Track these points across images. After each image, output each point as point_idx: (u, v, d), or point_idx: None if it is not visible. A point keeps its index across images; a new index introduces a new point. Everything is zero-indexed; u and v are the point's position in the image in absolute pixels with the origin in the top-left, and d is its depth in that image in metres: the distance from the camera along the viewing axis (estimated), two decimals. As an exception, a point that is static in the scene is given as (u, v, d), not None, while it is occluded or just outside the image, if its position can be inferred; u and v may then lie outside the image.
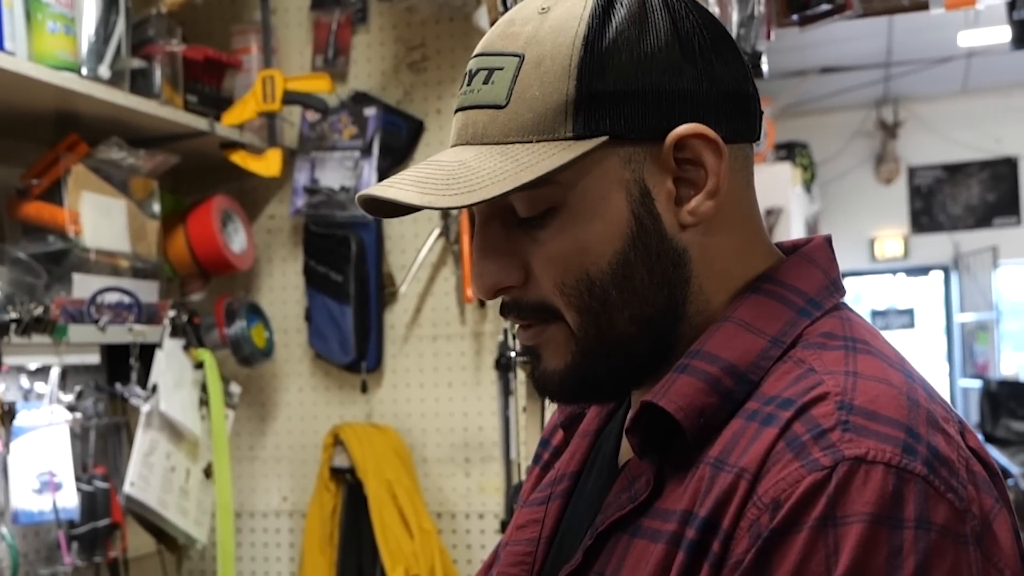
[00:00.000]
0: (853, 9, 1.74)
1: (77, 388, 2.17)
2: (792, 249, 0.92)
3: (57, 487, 2.02)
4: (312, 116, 2.56)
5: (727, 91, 0.85)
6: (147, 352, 2.26)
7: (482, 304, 2.50)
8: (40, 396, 2.07)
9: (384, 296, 2.58)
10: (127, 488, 2.17)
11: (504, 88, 0.83)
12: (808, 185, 7.05)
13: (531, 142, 0.82)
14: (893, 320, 8.21)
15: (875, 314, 8.26)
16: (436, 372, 2.56)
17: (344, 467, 2.50)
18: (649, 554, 0.80)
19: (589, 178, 0.83)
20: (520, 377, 2.07)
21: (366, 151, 2.51)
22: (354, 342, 2.54)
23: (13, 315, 1.92)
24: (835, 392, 0.77)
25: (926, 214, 8.00)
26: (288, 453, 2.68)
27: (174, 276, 2.51)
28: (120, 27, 2.08)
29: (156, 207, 2.34)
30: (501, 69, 0.84)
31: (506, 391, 2.43)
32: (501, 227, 0.87)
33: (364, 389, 2.58)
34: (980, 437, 0.83)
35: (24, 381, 2.07)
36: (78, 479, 2.10)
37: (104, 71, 2.04)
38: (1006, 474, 5.69)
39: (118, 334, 2.17)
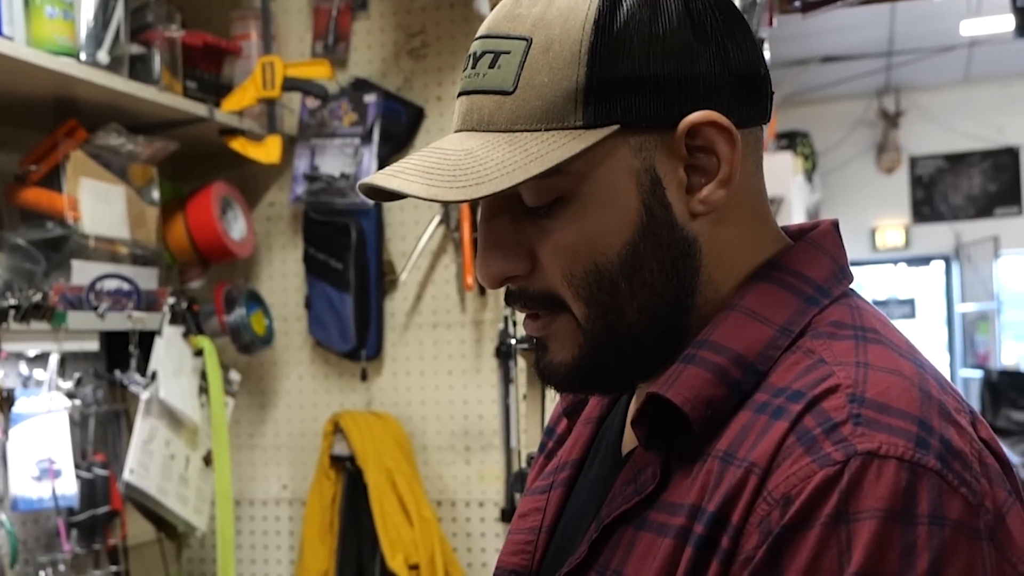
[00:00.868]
0: (856, -4, 1.73)
1: (76, 375, 2.16)
2: (798, 234, 0.90)
3: (56, 474, 2.02)
4: (312, 103, 2.55)
5: (740, 74, 0.83)
6: (146, 339, 2.25)
7: (482, 292, 2.49)
8: (39, 383, 2.07)
9: (384, 284, 2.57)
10: (126, 475, 2.16)
11: (511, 73, 0.80)
12: (809, 175, 7.03)
13: (539, 131, 0.79)
14: (894, 310, 8.20)
15: (876, 304, 8.23)
16: (436, 360, 2.56)
17: (344, 455, 2.49)
18: (656, 548, 0.78)
19: (599, 168, 0.81)
20: (520, 365, 2.06)
21: (366, 138, 2.50)
22: (354, 330, 2.53)
23: (12, 301, 1.92)
24: (846, 384, 0.75)
25: (927, 204, 7.98)
26: (288, 441, 2.67)
27: (173, 263, 2.50)
28: (119, 12, 2.07)
29: (155, 194, 2.33)
30: (508, 53, 0.81)
31: (506, 379, 2.43)
32: (507, 215, 0.85)
33: (364, 377, 2.58)
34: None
35: (23, 368, 2.06)
36: (77, 466, 2.10)
37: (103, 56, 2.03)
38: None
39: (117, 321, 2.16)
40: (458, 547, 2.52)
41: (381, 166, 2.44)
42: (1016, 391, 6.75)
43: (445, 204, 2.47)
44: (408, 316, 2.58)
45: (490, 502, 2.51)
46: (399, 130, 2.53)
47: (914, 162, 7.98)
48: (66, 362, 2.14)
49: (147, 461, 2.21)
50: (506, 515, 2.46)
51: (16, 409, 2.01)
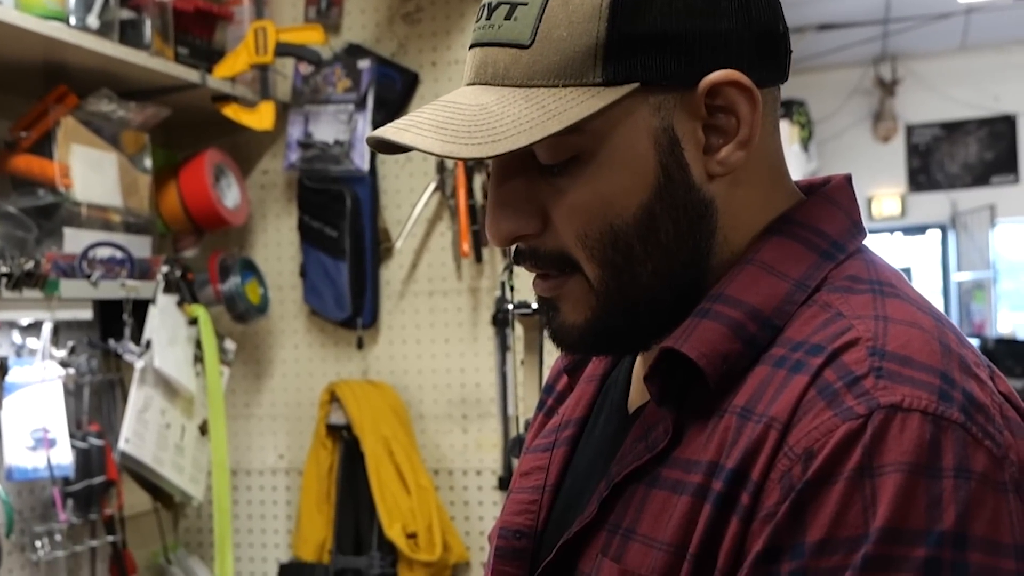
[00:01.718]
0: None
1: (70, 344, 2.15)
2: (809, 188, 0.89)
3: (51, 444, 2.01)
4: (305, 69, 2.52)
5: (761, 32, 0.81)
6: (140, 308, 2.23)
7: (479, 260, 2.47)
8: (32, 352, 2.05)
9: (380, 252, 2.55)
10: (122, 445, 2.15)
11: (528, 26, 0.78)
12: (805, 143, 7.01)
13: (557, 87, 0.77)
14: (890, 279, 8.19)
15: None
16: (432, 328, 2.54)
17: (340, 424, 2.48)
18: (672, 506, 0.77)
19: (617, 127, 0.79)
20: (518, 332, 2.05)
21: (360, 104, 2.47)
22: (350, 298, 2.52)
23: (4, 269, 1.89)
24: (866, 337, 0.74)
25: (924, 172, 7.96)
26: (284, 410, 2.66)
27: (167, 231, 2.48)
28: (108, -25, 2.04)
29: (148, 161, 2.31)
30: (525, 4, 0.79)
31: (503, 347, 2.42)
32: (519, 173, 0.82)
33: (360, 345, 2.56)
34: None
35: (16, 337, 2.04)
36: (72, 436, 2.08)
37: (92, 21, 2.00)
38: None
39: (110, 289, 2.14)
40: (456, 516, 2.52)
41: (376, 132, 2.42)
42: (1012, 359, 6.75)
43: (439, 168, 2.45)
44: (404, 284, 2.56)
45: (487, 470, 2.50)
46: (394, 96, 2.50)
47: (910, 130, 7.95)
48: (59, 331, 2.12)
49: (142, 430, 2.20)
50: (503, 483, 2.45)
51: (9, 378, 2.00)
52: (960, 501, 0.68)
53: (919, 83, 7.79)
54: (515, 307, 1.97)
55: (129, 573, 2.28)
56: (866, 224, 0.89)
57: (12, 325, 2.04)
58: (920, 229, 8.30)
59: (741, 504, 0.73)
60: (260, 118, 2.41)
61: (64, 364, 2.10)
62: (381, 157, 2.54)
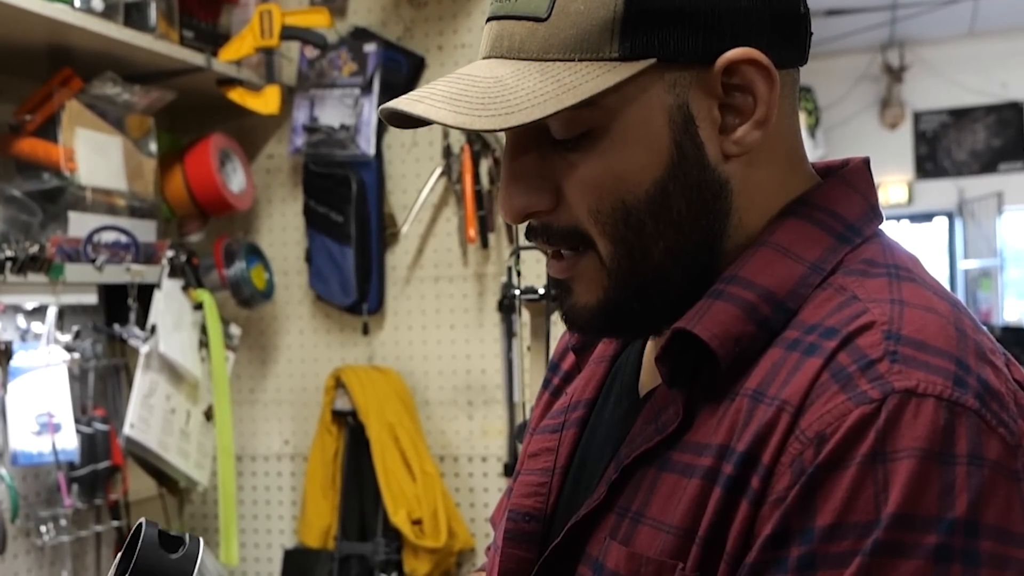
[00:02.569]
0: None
1: (75, 328, 2.14)
2: (826, 171, 0.88)
3: (56, 428, 2.00)
4: (311, 52, 2.50)
5: (781, 12, 0.80)
6: (145, 293, 2.23)
7: (485, 245, 2.46)
8: (37, 336, 2.04)
9: (385, 237, 2.54)
10: (127, 430, 2.14)
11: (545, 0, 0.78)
12: (812, 130, 6.99)
13: (573, 60, 0.77)
14: (896, 266, 8.18)
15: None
16: (438, 314, 2.53)
17: (346, 410, 2.48)
18: (681, 490, 0.76)
19: (632, 102, 0.78)
20: (524, 319, 2.04)
21: (366, 88, 2.46)
22: (355, 283, 2.51)
23: (8, 253, 1.89)
24: (881, 321, 0.73)
25: (931, 160, 7.93)
26: (289, 396, 2.65)
27: (172, 216, 2.47)
28: (113, -42, 2.03)
29: (153, 146, 2.30)
30: None
31: (509, 333, 2.41)
32: (533, 147, 0.82)
33: (366, 331, 2.55)
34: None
35: (21, 321, 2.04)
36: (77, 421, 2.08)
37: (97, 3, 1.99)
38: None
39: (115, 274, 2.13)
40: (461, 502, 2.51)
41: (382, 117, 2.40)
42: (1019, 347, 6.73)
43: (445, 152, 2.44)
44: (410, 269, 2.55)
45: (493, 457, 2.50)
46: (399, 80, 2.49)
47: (918, 117, 7.91)
48: (64, 315, 2.11)
49: (148, 415, 2.19)
50: (509, 470, 2.45)
51: (14, 363, 1.99)
52: (972, 488, 0.67)
53: (927, 69, 7.75)
54: (521, 293, 1.96)
55: (134, 558, 2.27)
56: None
57: (17, 309, 2.03)
58: (927, 216, 8.27)
59: (751, 488, 0.72)
60: (265, 102, 2.40)
61: (69, 349, 2.09)
62: (387, 142, 2.53)
